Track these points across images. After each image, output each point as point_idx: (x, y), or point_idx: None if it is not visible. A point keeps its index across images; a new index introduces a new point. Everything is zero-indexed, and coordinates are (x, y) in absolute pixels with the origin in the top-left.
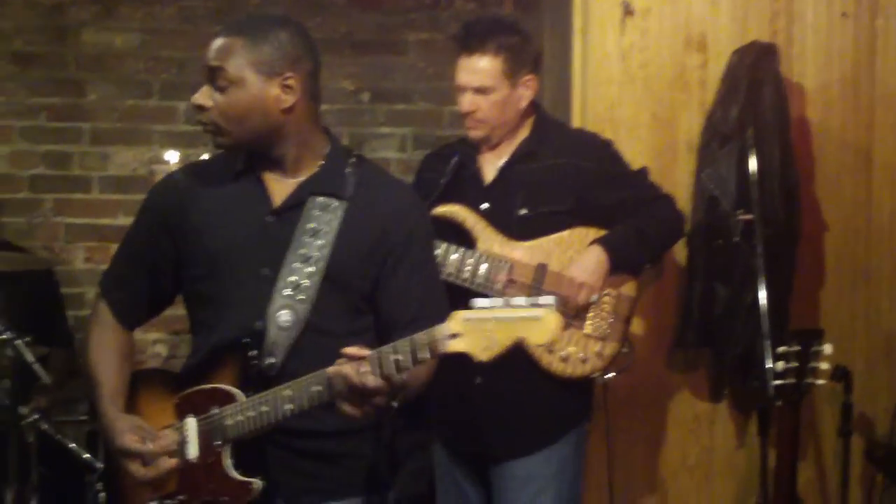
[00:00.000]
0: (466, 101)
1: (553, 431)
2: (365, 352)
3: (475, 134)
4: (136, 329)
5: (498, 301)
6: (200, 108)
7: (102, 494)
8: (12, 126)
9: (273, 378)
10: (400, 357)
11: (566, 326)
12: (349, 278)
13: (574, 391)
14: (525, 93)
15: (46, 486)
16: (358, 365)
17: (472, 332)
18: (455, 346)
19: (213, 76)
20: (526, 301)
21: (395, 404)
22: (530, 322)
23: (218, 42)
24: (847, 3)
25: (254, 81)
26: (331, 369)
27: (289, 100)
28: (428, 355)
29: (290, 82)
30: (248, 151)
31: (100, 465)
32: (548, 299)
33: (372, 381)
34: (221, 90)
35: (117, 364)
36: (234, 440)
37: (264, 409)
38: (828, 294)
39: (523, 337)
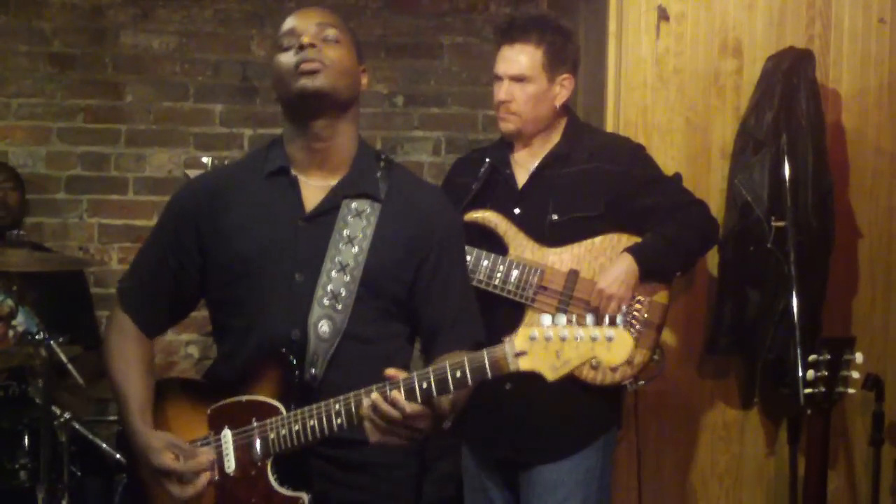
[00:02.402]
0: (503, 91)
1: (582, 438)
2: (403, 374)
3: (506, 126)
4: (169, 330)
5: (562, 319)
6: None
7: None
8: (50, 127)
9: (314, 389)
10: (458, 375)
11: None
12: (384, 284)
13: (604, 398)
14: (560, 91)
15: (77, 485)
16: (390, 390)
17: (537, 351)
18: (524, 364)
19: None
20: (592, 319)
21: (447, 424)
22: (603, 342)
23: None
24: (884, 10)
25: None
26: (364, 403)
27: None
28: (491, 374)
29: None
30: (306, 146)
31: None
32: (617, 319)
33: (409, 408)
34: None
35: (143, 376)
36: (277, 454)
37: (312, 423)
38: (860, 302)
39: (597, 356)
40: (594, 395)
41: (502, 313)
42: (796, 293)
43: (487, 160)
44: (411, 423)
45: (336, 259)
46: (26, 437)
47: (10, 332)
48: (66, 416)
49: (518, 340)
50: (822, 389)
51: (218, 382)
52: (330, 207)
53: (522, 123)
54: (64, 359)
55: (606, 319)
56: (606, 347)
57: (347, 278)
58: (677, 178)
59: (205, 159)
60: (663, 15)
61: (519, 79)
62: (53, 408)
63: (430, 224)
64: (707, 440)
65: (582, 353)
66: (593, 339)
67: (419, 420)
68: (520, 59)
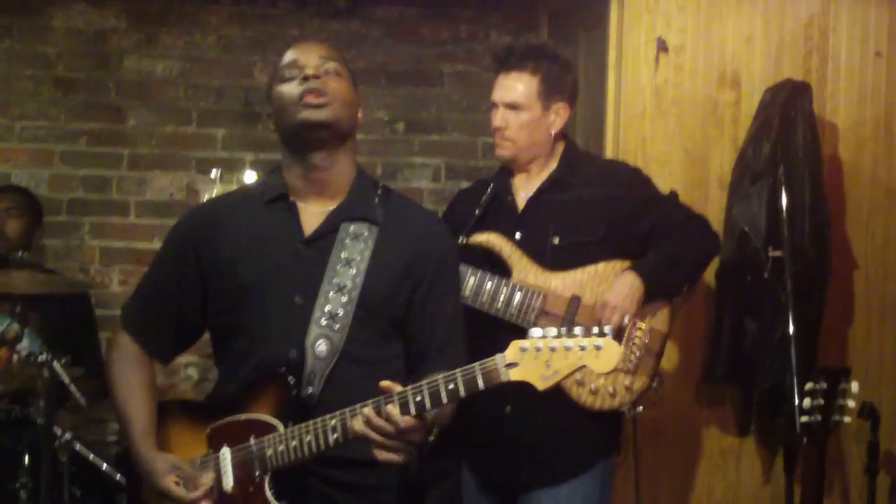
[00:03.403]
0: (498, 118)
1: (581, 463)
2: (398, 387)
3: (501, 152)
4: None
5: (552, 331)
6: None
7: None
8: (53, 150)
9: (311, 407)
10: (451, 387)
11: None
12: (382, 306)
13: (602, 424)
14: (556, 120)
15: None
16: (384, 405)
17: (528, 362)
18: (514, 375)
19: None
20: (582, 331)
21: (430, 438)
22: (592, 351)
23: None
24: (881, 43)
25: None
26: (358, 420)
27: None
28: (483, 385)
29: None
30: (304, 175)
31: None
32: (605, 329)
33: (403, 422)
34: None
35: (146, 400)
36: (274, 470)
37: (308, 438)
38: (856, 332)
39: (586, 365)
40: (593, 420)
41: (503, 337)
42: (793, 323)
43: (490, 186)
44: (405, 436)
45: (334, 281)
46: (27, 457)
47: (15, 357)
48: (68, 436)
49: (509, 352)
50: (818, 418)
51: (217, 403)
52: (328, 231)
53: (517, 150)
54: (66, 379)
55: (594, 329)
56: (595, 356)
57: (345, 299)
58: (673, 195)
59: (213, 174)
60: (662, 46)
61: (513, 106)
62: (54, 428)
63: (426, 248)
64: (704, 468)
65: (571, 363)
66: (582, 349)
67: (413, 433)
68: (515, 87)
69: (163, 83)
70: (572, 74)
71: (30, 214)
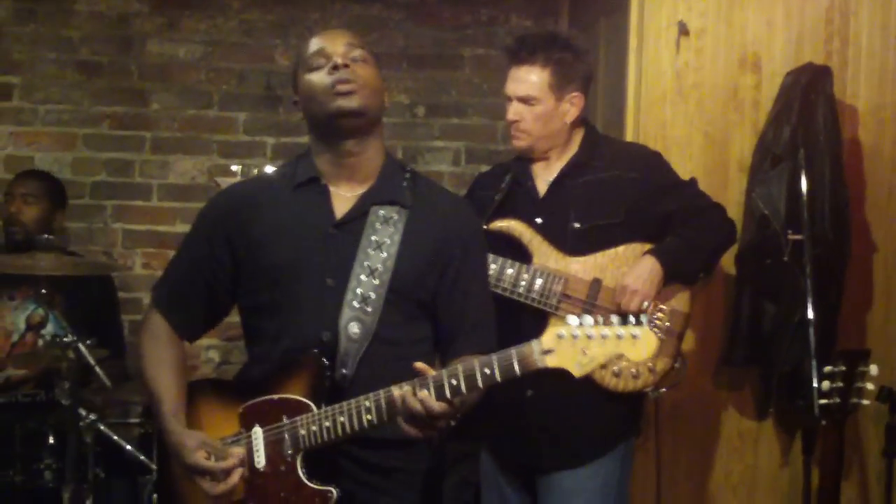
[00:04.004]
0: (512, 111)
1: (601, 445)
2: (430, 371)
3: (518, 144)
4: (204, 335)
5: (588, 319)
6: None
7: (156, 496)
8: (76, 133)
9: (345, 389)
10: (487, 372)
11: None
12: (412, 288)
13: (624, 405)
14: (570, 109)
15: (102, 487)
16: (420, 389)
17: (565, 349)
18: (550, 361)
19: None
20: (618, 320)
21: (452, 423)
22: (629, 340)
23: None
24: None
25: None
26: (395, 392)
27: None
28: (519, 371)
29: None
30: (335, 160)
31: (154, 467)
32: (642, 318)
33: (437, 406)
34: None
35: (176, 378)
36: (307, 450)
37: (342, 419)
38: (875, 315)
39: (623, 353)
40: (614, 403)
41: (526, 320)
42: (812, 306)
43: (509, 173)
44: (434, 421)
45: (365, 264)
46: (51, 438)
47: (40, 341)
48: (92, 417)
49: (546, 339)
50: (837, 401)
51: (249, 383)
52: (359, 214)
53: (533, 140)
54: (91, 361)
55: (632, 318)
56: (632, 344)
57: (377, 282)
58: (693, 182)
59: (234, 167)
60: (683, 30)
61: (526, 100)
62: (79, 409)
63: (455, 231)
64: (722, 450)
65: (607, 351)
66: (618, 337)
67: (442, 419)
68: (527, 80)
69: (185, 67)
70: (585, 62)
71: (47, 200)
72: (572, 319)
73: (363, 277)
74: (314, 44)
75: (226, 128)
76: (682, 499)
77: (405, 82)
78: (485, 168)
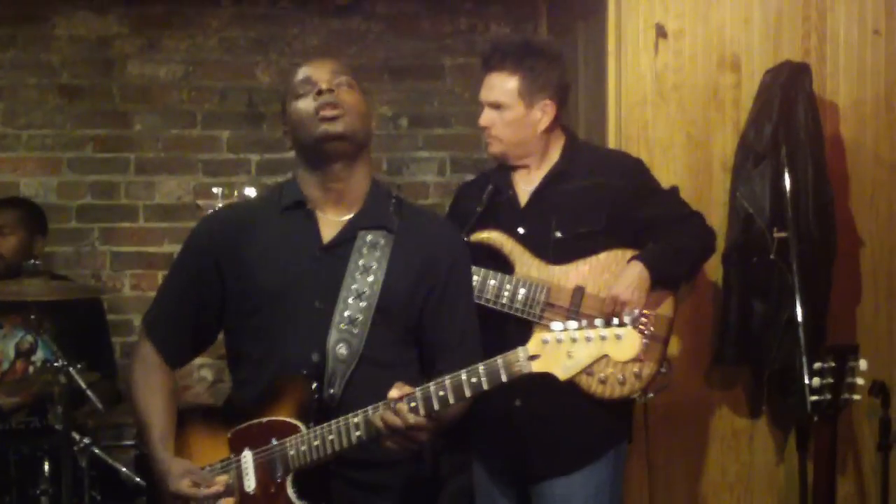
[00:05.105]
0: (483, 117)
1: (592, 451)
2: (408, 389)
3: (492, 149)
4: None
5: (572, 323)
6: None
7: None
8: (60, 157)
9: (333, 409)
10: (474, 380)
11: None
12: (398, 310)
13: (613, 411)
14: (542, 117)
15: None
16: (400, 405)
17: (550, 353)
18: (536, 366)
19: None
20: (601, 322)
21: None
22: (613, 340)
23: None
24: (878, 21)
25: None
26: (376, 413)
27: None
28: (506, 378)
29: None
30: (322, 186)
31: None
32: (625, 319)
33: (412, 419)
34: None
35: (166, 406)
36: (296, 470)
37: (331, 437)
38: (864, 309)
39: (608, 353)
40: (604, 409)
41: (511, 331)
42: (800, 302)
43: (490, 182)
44: (412, 434)
45: (352, 287)
46: (46, 464)
47: (31, 368)
48: (86, 440)
49: (531, 345)
50: (828, 397)
51: (237, 407)
52: (346, 239)
53: (506, 147)
54: (83, 385)
55: (615, 320)
56: (616, 344)
57: (364, 304)
58: (674, 190)
59: (215, 189)
60: (661, 32)
61: (496, 106)
62: (73, 434)
63: (439, 254)
64: (717, 450)
65: (592, 352)
66: (602, 338)
67: (419, 432)
68: (497, 86)
69: (166, 87)
70: (558, 70)
71: (23, 229)
72: (556, 325)
73: (350, 300)
74: (301, 73)
75: (210, 146)
76: (678, 500)
77: (387, 94)
78: (470, 177)
